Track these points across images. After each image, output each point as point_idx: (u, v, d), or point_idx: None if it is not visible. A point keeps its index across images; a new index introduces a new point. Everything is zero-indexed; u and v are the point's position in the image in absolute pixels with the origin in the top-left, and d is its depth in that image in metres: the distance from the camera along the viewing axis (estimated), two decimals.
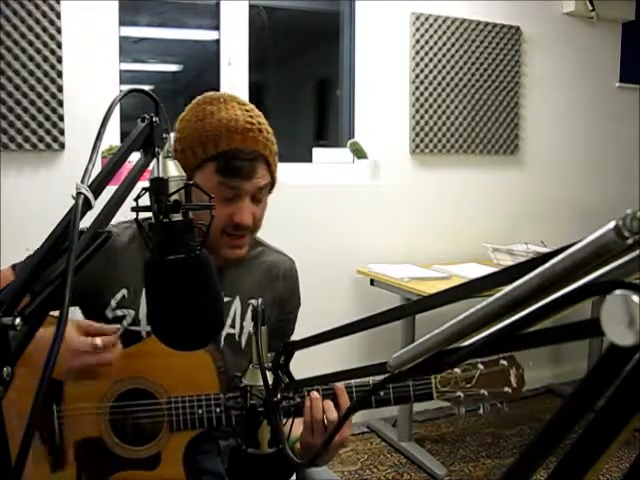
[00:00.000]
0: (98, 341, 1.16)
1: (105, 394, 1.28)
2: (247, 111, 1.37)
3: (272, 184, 1.42)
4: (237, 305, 1.44)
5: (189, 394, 1.28)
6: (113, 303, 1.37)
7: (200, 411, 1.28)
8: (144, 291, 1.37)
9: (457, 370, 1.32)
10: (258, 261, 1.51)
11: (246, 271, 1.48)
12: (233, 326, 1.43)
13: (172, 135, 0.89)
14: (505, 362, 1.33)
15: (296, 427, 1.38)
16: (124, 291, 1.37)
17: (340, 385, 1.29)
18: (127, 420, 1.29)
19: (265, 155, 1.36)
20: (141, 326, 1.36)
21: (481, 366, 1.32)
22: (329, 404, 1.26)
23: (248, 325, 1.43)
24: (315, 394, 1.27)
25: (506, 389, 1.32)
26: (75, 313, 1.42)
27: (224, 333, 1.42)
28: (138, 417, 1.29)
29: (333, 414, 1.25)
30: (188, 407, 1.28)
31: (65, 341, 1.15)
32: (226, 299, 1.42)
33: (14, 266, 1.36)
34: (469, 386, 1.31)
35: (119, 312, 1.37)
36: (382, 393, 1.32)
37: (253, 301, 1.45)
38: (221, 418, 1.28)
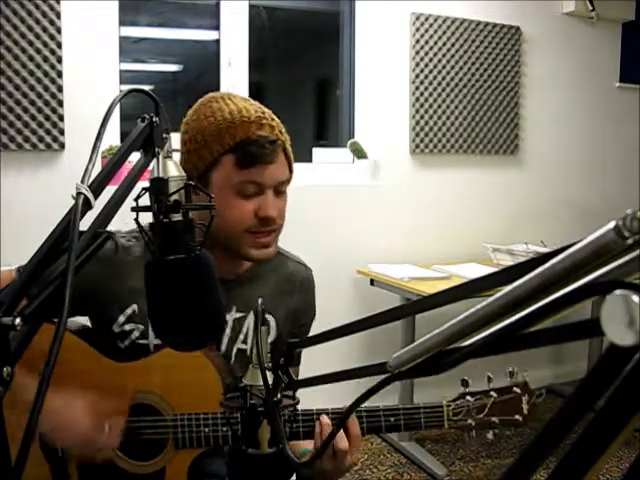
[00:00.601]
0: (106, 427, 1.17)
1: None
2: (252, 104, 1.36)
3: (290, 178, 1.39)
4: (250, 321, 1.41)
5: (195, 411, 1.26)
6: (122, 319, 1.33)
7: (206, 429, 1.25)
8: None
9: (470, 399, 1.31)
10: (275, 273, 1.47)
11: (262, 285, 1.44)
12: (245, 342, 1.40)
13: (173, 136, 0.88)
14: (518, 390, 1.31)
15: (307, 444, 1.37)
16: (134, 307, 1.34)
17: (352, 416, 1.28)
18: (132, 435, 1.26)
19: (282, 141, 1.33)
20: (149, 339, 1.33)
21: (494, 394, 1.30)
22: (340, 432, 1.24)
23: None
24: (325, 420, 1.25)
25: (517, 417, 1.30)
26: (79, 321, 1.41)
27: (235, 348, 1.39)
28: (143, 433, 1.27)
29: (344, 443, 1.23)
30: (194, 425, 1.26)
31: (73, 426, 1.17)
32: (239, 314, 1.39)
33: (19, 269, 1.35)
34: (481, 415, 1.30)
35: (127, 327, 1.33)
36: (392, 419, 1.31)
37: (267, 315, 1.42)
38: (227, 437, 1.26)
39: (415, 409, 1.32)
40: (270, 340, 1.41)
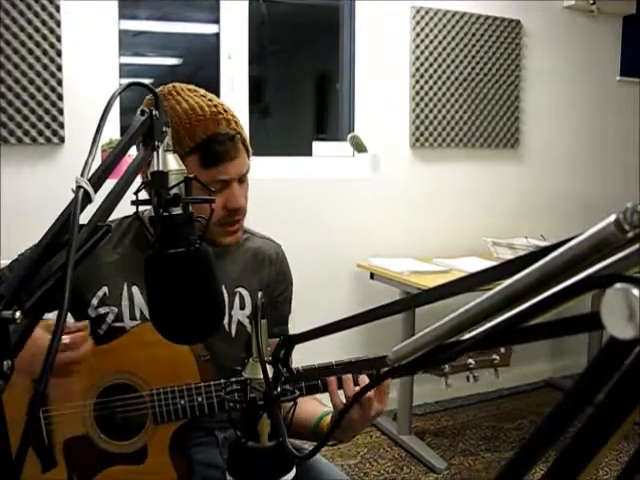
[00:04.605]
0: (65, 339, 1.16)
1: (88, 391, 1.28)
2: (203, 96, 1.36)
3: (249, 165, 1.42)
4: (224, 295, 1.43)
5: (170, 384, 1.28)
6: (95, 302, 1.37)
7: (182, 401, 1.28)
8: (125, 286, 1.38)
9: None
10: (243, 248, 1.50)
11: (231, 260, 1.47)
12: None
13: None
14: None
15: (314, 404, 1.37)
16: (105, 289, 1.37)
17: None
18: (112, 416, 1.29)
19: (240, 132, 1.35)
20: (125, 322, 1.36)
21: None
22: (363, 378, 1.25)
23: (237, 314, 1.43)
24: (348, 375, 1.25)
25: (494, 356, 1.27)
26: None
27: None
28: (122, 412, 1.29)
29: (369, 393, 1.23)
30: (170, 398, 1.28)
31: (33, 342, 1.16)
32: None
33: None
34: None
35: (101, 310, 1.37)
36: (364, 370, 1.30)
37: (241, 289, 1.45)
38: (203, 406, 1.28)
39: (384, 358, 1.30)
40: (247, 313, 1.44)
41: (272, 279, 1.51)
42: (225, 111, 1.35)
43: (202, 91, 1.39)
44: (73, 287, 1.35)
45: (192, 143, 1.30)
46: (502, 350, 1.28)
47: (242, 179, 1.38)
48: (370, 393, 1.23)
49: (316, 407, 1.39)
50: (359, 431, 1.35)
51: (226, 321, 1.43)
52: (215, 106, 1.33)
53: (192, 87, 1.39)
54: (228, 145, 1.32)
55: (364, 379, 1.26)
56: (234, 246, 1.47)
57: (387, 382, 1.26)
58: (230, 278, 1.44)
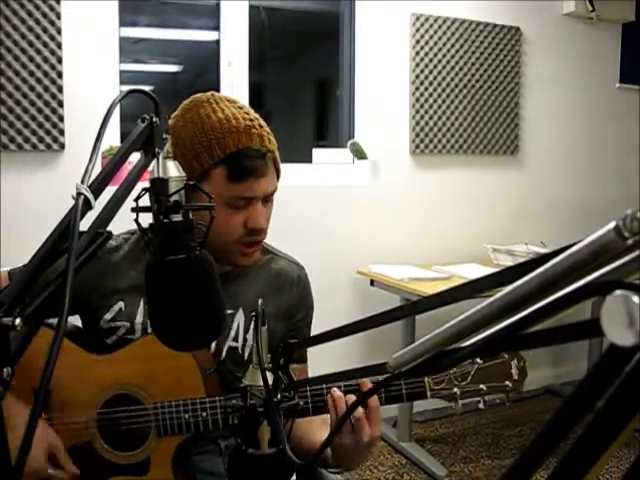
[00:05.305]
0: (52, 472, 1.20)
1: (93, 400, 1.27)
2: (240, 108, 1.33)
3: (277, 186, 1.39)
4: (240, 317, 1.40)
5: (175, 398, 1.27)
6: (108, 316, 1.35)
7: (187, 416, 1.26)
8: (141, 304, 1.36)
9: None
10: (265, 270, 1.47)
11: (251, 281, 1.44)
12: (236, 339, 1.39)
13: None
14: (505, 354, 1.26)
15: (319, 426, 1.35)
16: (121, 304, 1.36)
17: (366, 380, 1.22)
18: (116, 426, 1.28)
19: (272, 150, 1.32)
20: (135, 335, 1.35)
21: (479, 360, 1.25)
22: (352, 399, 1.19)
23: (252, 338, 1.38)
24: (337, 392, 1.20)
25: (507, 382, 1.25)
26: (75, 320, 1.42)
27: (226, 345, 1.39)
28: (126, 423, 1.28)
29: (358, 412, 1.17)
30: (175, 412, 1.26)
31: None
32: (229, 311, 1.38)
33: (10, 272, 1.36)
34: (465, 383, 1.25)
35: (113, 324, 1.36)
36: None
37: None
38: (208, 422, 1.26)
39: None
40: None
41: (293, 303, 1.48)
42: (261, 126, 1.31)
43: (240, 103, 1.36)
44: (85, 299, 1.36)
45: (222, 154, 1.27)
46: (515, 377, 1.26)
47: (267, 199, 1.34)
48: (360, 415, 1.17)
49: (325, 433, 1.35)
50: (355, 459, 1.27)
51: (240, 345, 1.40)
52: (251, 120, 1.30)
53: (231, 98, 1.36)
54: (258, 162, 1.28)
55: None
56: (256, 267, 1.44)
57: (375, 405, 1.20)
58: (248, 300, 1.41)
